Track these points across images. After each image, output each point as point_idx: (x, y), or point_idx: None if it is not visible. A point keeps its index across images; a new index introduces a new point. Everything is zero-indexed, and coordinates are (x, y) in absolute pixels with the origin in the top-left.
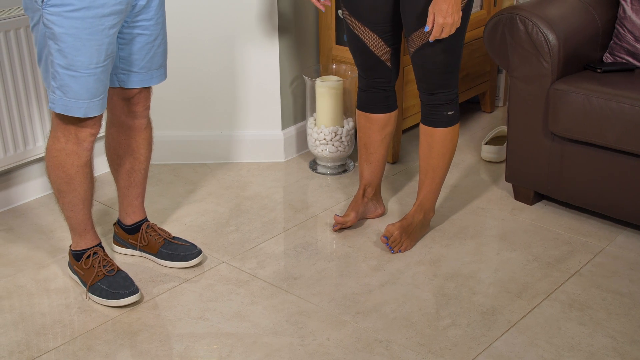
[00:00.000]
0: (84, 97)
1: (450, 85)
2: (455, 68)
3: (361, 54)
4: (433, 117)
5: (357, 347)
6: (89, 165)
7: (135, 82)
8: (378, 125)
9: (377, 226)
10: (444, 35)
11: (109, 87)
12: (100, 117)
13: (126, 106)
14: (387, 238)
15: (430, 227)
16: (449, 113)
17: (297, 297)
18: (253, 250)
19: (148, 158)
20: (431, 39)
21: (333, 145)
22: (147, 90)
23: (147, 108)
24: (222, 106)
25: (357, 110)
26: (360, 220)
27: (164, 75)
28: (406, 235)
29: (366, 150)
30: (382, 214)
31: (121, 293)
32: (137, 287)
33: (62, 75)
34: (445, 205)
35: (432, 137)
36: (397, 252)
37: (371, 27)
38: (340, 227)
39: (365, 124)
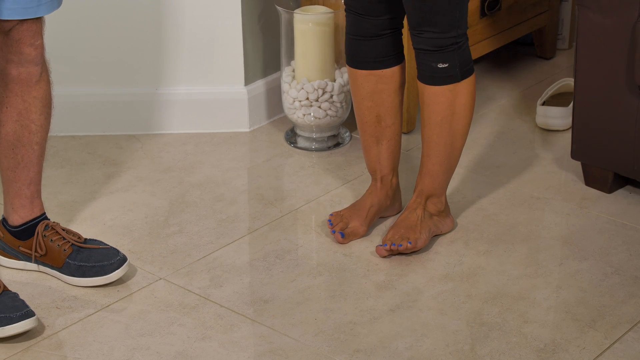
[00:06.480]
0: None
1: (445, 24)
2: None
3: None
4: (422, 68)
5: None
6: None
7: (9, 12)
8: (395, 84)
9: (387, 223)
10: None
11: None
12: None
13: (5, 44)
14: (382, 244)
15: (459, 223)
16: (440, 66)
17: (268, 328)
18: (204, 262)
19: (45, 126)
20: None
21: (320, 107)
22: (37, 21)
23: (40, 48)
24: (157, 51)
25: (354, 71)
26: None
27: (56, 1)
28: (407, 230)
29: (380, 125)
30: (400, 210)
31: (9, 317)
32: (31, 309)
33: None
34: (483, 193)
35: (422, 98)
36: (406, 247)
37: None
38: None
39: (376, 87)
